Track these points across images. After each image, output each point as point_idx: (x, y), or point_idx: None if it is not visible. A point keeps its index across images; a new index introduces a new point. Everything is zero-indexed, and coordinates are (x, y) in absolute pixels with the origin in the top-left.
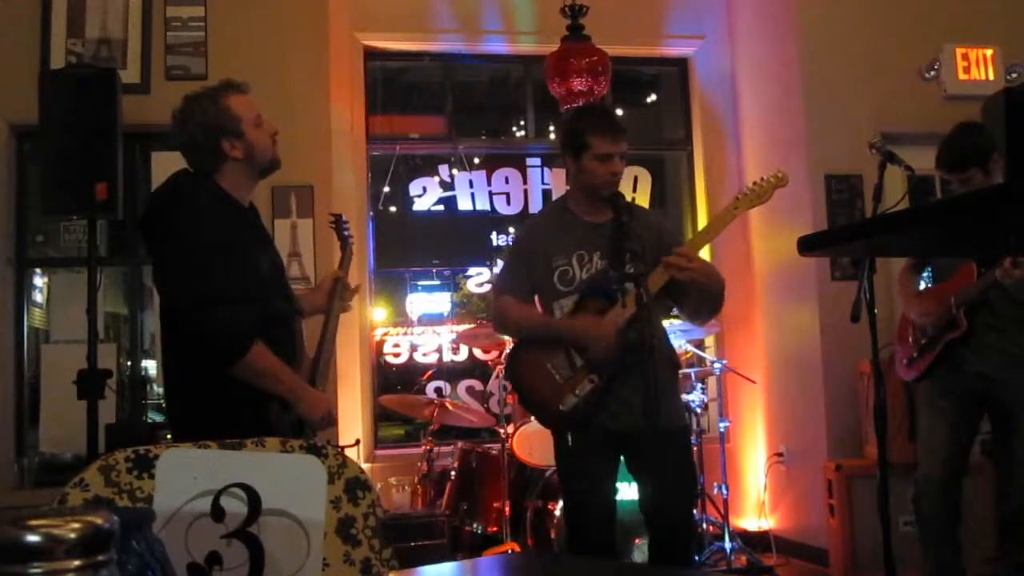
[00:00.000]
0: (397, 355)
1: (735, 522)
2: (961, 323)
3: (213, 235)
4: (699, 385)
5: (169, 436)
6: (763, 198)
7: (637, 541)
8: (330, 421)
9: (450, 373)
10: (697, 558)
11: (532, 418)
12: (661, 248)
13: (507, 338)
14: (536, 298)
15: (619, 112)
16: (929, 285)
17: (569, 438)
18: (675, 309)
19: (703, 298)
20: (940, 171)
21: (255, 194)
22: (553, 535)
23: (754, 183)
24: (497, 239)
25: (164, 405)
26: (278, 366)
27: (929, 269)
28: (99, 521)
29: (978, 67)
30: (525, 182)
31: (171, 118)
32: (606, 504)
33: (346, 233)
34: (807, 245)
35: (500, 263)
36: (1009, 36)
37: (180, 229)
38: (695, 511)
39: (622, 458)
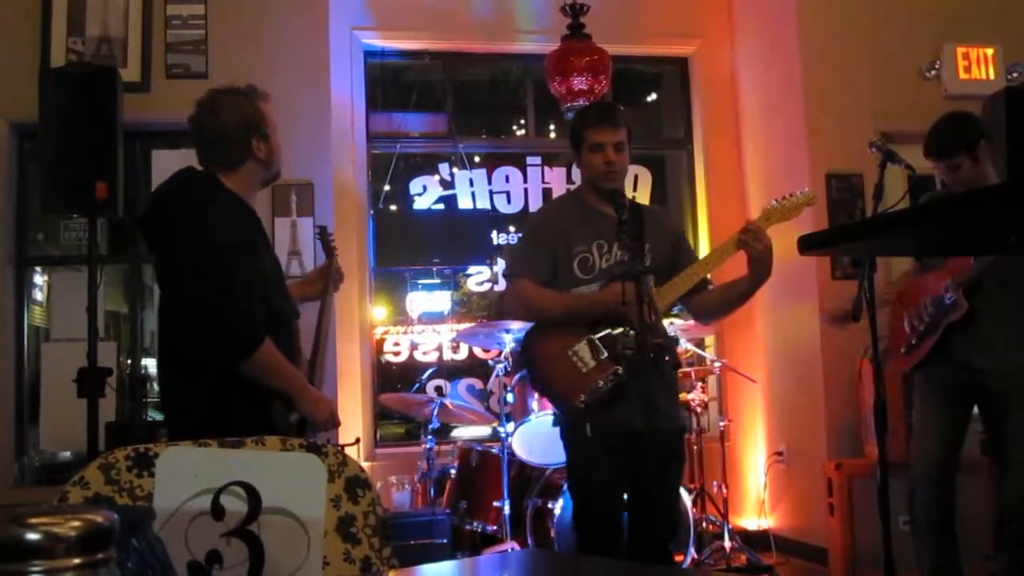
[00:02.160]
0: (397, 354)
1: (735, 521)
2: (961, 305)
3: (225, 232)
4: (699, 384)
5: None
6: (792, 214)
7: None
8: (334, 423)
9: (450, 372)
10: (697, 557)
11: (532, 417)
12: (676, 258)
13: (509, 335)
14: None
15: None
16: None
17: (588, 429)
18: (678, 307)
19: (752, 285)
20: (928, 159)
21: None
22: (553, 534)
23: (783, 198)
24: (497, 238)
25: (162, 403)
26: (285, 363)
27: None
28: (99, 519)
29: (979, 66)
30: (525, 181)
31: (197, 106)
32: (618, 500)
33: (332, 245)
34: (807, 244)
35: (515, 247)
36: (1010, 35)
37: (192, 225)
38: (693, 508)
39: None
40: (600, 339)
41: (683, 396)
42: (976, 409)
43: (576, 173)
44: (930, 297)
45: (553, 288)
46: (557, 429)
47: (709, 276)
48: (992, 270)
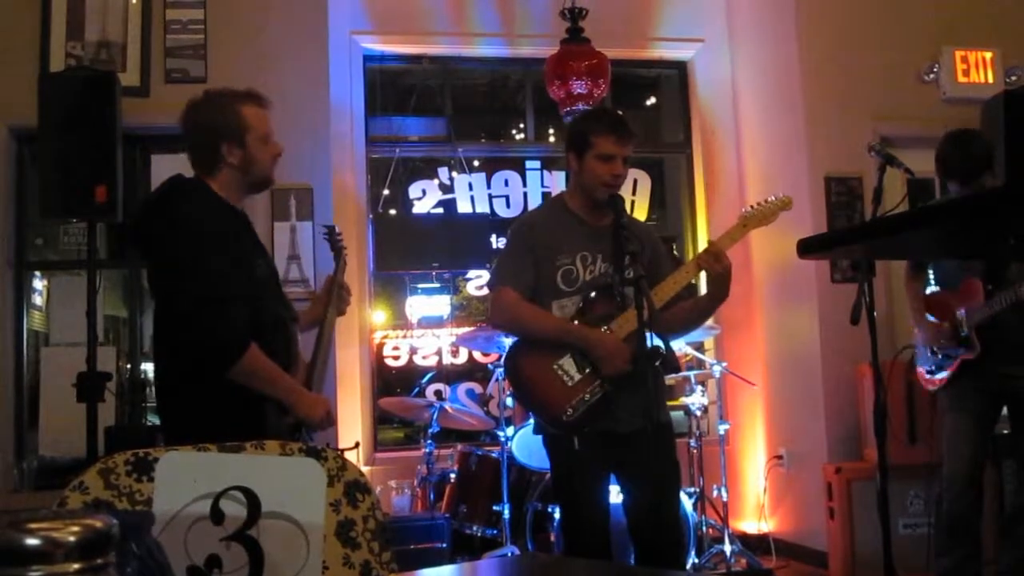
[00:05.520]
0: (397, 358)
1: (735, 525)
2: (975, 345)
3: (210, 238)
4: (699, 388)
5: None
6: (768, 219)
7: None
8: (330, 422)
9: (450, 376)
10: (697, 561)
11: (531, 420)
12: (654, 264)
13: (508, 339)
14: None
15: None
16: (939, 291)
17: (576, 442)
18: None
19: (710, 303)
20: (951, 183)
21: (255, 196)
22: (552, 538)
23: (758, 203)
24: (497, 242)
25: (157, 409)
26: (273, 369)
27: (932, 276)
28: (98, 524)
29: (977, 70)
30: (524, 185)
31: (185, 106)
32: (604, 507)
33: (340, 244)
34: (807, 247)
35: (499, 256)
36: (1008, 39)
37: (176, 232)
38: (693, 512)
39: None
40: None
41: (682, 400)
42: (1005, 410)
43: None
44: (947, 331)
45: (535, 298)
46: (543, 434)
47: (694, 282)
48: (1011, 305)
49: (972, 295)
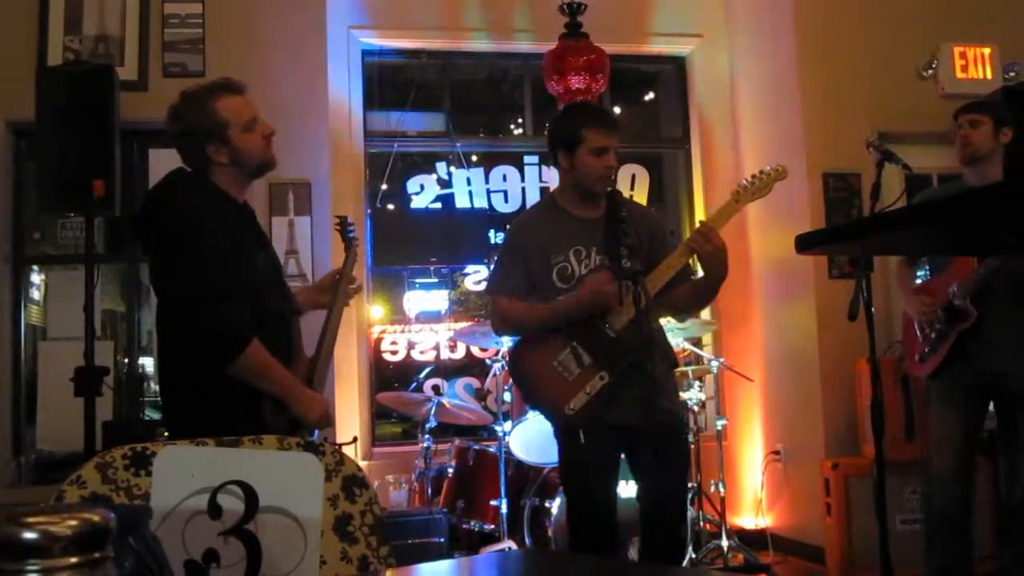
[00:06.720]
0: (395, 353)
1: (732, 520)
2: (970, 313)
3: (210, 233)
4: (696, 383)
5: (165, 434)
6: (763, 191)
7: (634, 538)
8: (327, 422)
9: (447, 371)
10: (694, 556)
11: (529, 416)
12: (654, 249)
13: (506, 338)
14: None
15: (617, 110)
16: (929, 277)
17: (581, 435)
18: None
19: (708, 284)
20: (956, 116)
21: (254, 191)
22: (550, 533)
23: (753, 176)
24: (495, 237)
25: (160, 403)
26: (274, 365)
27: (927, 265)
28: (96, 518)
29: (976, 66)
30: (523, 180)
31: (167, 114)
32: (610, 500)
33: (351, 235)
34: (805, 243)
35: (493, 264)
36: (1007, 35)
37: (177, 227)
38: (690, 507)
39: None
40: (582, 345)
41: (680, 395)
42: (992, 407)
43: None
44: (940, 303)
45: (536, 298)
46: (553, 428)
47: (691, 265)
48: (999, 272)
49: (965, 269)
